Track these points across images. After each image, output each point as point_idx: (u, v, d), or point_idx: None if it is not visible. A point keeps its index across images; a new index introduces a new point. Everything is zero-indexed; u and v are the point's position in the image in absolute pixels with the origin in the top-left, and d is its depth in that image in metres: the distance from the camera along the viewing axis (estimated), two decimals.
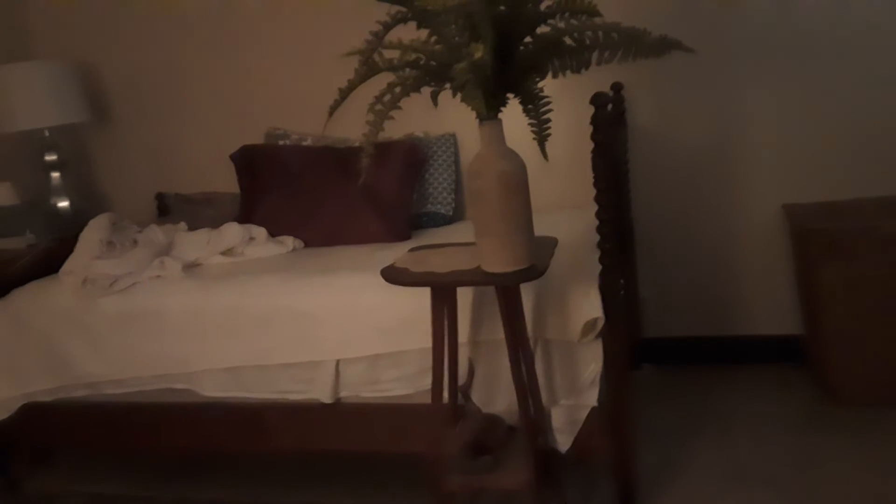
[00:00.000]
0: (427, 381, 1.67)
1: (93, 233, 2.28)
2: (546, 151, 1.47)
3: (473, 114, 1.43)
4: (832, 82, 2.41)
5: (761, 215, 2.55)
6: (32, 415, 2.19)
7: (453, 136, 2.71)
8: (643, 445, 2.07)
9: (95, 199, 3.12)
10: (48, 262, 2.30)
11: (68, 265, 2.23)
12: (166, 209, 2.94)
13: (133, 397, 2.09)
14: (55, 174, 2.84)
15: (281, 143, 2.79)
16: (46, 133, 2.81)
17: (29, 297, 2.18)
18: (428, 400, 1.65)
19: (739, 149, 2.53)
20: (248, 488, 2.20)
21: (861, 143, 2.42)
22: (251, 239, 2.37)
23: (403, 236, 2.40)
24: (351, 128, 2.38)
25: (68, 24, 3.03)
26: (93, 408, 2.15)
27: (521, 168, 1.44)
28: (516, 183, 1.43)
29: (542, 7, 1.39)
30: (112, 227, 2.34)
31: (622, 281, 1.83)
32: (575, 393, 1.76)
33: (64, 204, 2.84)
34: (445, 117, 2.61)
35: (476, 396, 1.82)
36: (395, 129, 2.31)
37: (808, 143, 2.47)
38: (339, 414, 1.94)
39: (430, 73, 1.42)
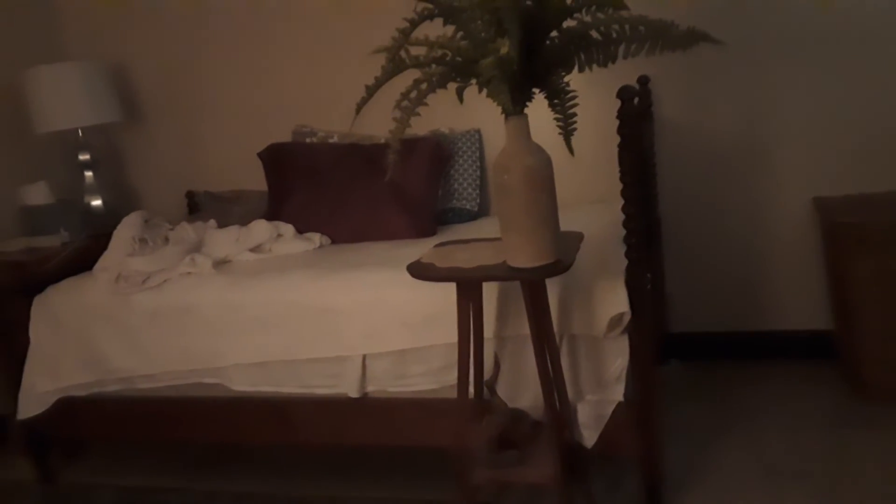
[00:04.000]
0: (453, 376, 1.68)
1: (126, 230, 2.33)
2: (572, 146, 1.47)
3: (498, 109, 1.43)
4: (862, 73, 2.37)
5: (791, 209, 2.52)
6: (67, 409, 2.24)
7: (478, 131, 2.72)
8: (670, 441, 2.06)
9: (127, 197, 3.18)
10: (83, 260, 2.35)
11: (102, 262, 2.28)
12: (196, 207, 2.99)
13: (165, 391, 2.13)
14: (88, 173, 2.91)
15: (308, 140, 2.82)
16: (80, 133, 2.88)
17: (64, 294, 2.23)
18: (454, 395, 1.66)
19: (768, 142, 2.50)
20: (277, 481, 2.23)
21: (893, 135, 2.38)
22: (279, 236, 2.40)
23: (429, 232, 2.41)
24: (377, 125, 2.42)
25: (100, 26, 3.09)
26: (126, 402, 2.19)
27: (546, 163, 1.44)
28: (542, 178, 1.43)
29: (569, 1, 1.39)
30: (144, 225, 2.38)
31: (649, 275, 1.82)
32: (601, 388, 1.75)
33: (97, 202, 2.90)
34: (470, 113, 2.60)
35: (502, 391, 1.83)
36: (420, 126, 2.32)
37: (839, 135, 2.43)
38: (366, 408, 1.96)
39: (457, 69, 1.43)
